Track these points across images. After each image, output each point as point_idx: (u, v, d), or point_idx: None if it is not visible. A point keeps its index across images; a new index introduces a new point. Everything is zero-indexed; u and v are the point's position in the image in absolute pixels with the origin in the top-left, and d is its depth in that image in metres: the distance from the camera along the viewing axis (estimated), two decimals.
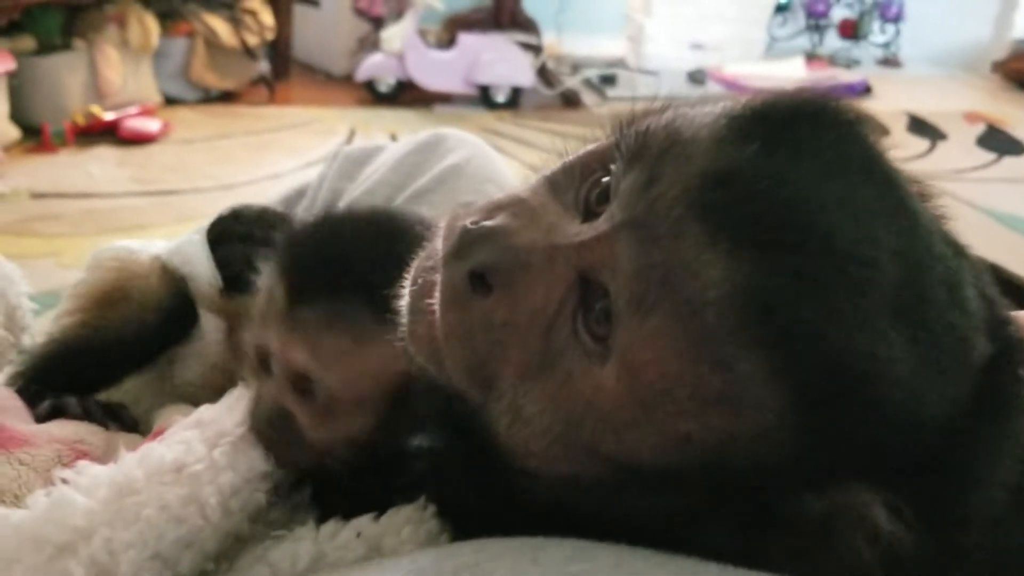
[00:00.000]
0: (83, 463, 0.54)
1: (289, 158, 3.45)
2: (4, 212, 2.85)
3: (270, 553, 0.55)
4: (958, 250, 0.48)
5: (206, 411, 0.59)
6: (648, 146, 0.45)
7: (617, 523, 0.45)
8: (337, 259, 0.58)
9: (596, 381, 0.44)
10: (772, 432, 0.42)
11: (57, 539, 0.49)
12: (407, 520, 0.55)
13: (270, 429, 0.59)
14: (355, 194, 1.15)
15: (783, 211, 0.41)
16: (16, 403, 0.64)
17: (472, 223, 0.47)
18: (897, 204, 0.44)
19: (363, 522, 0.55)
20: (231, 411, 0.59)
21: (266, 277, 0.61)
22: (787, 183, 0.42)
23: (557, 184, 0.50)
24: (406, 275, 0.52)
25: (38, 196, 2.98)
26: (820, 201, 0.41)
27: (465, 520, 0.54)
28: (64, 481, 0.53)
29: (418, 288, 0.50)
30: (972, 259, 0.49)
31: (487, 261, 0.46)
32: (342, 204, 1.15)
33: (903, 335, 0.41)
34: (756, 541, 0.44)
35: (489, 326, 0.47)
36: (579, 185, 0.49)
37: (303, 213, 1.19)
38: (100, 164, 3.29)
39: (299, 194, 1.24)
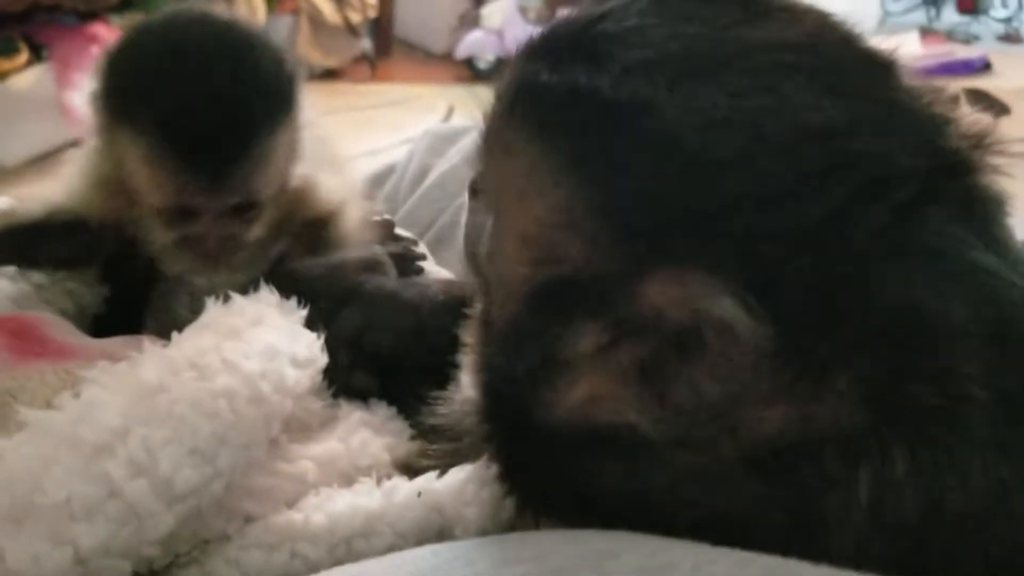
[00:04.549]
0: (102, 362, 0.54)
1: (389, 135, 3.48)
2: None
3: (330, 503, 0.55)
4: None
5: (207, 314, 0.59)
6: None
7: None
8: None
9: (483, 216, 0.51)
10: (572, 211, 0.42)
11: (93, 439, 0.48)
12: (469, 480, 0.54)
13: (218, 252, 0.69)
14: (443, 168, 1.16)
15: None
16: (62, 319, 0.65)
17: None
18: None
19: (425, 481, 0.55)
20: (234, 307, 0.60)
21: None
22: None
23: None
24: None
25: None
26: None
27: (524, 480, 0.51)
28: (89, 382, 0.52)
29: None
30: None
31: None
32: (430, 179, 1.16)
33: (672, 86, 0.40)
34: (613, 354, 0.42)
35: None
36: None
37: (391, 189, 1.21)
38: None
39: (389, 170, 1.26)
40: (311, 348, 0.61)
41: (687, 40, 0.42)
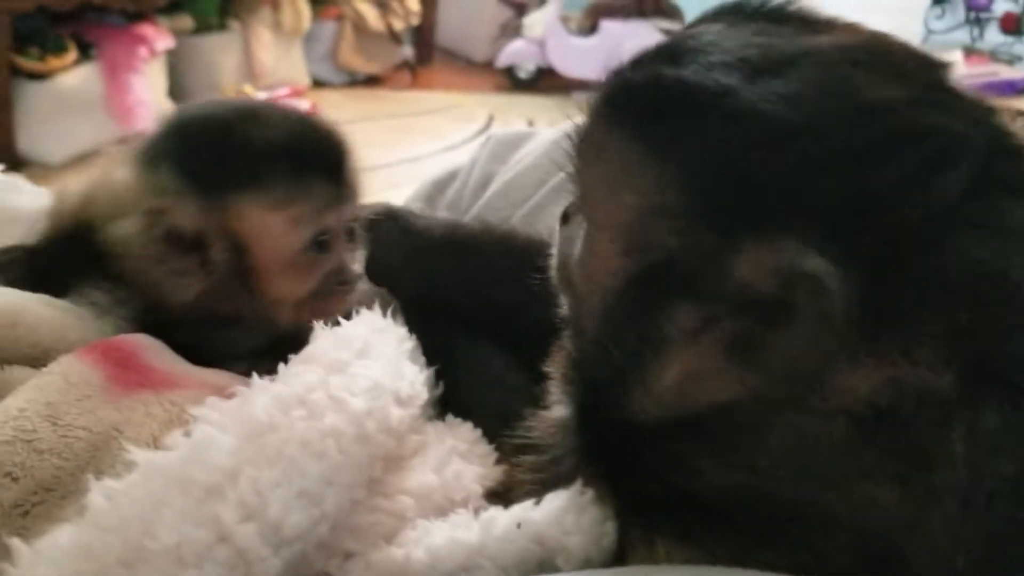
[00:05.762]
0: (212, 398, 0.53)
1: (428, 142, 3.48)
2: None
3: (428, 538, 0.53)
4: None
5: (314, 344, 0.58)
6: None
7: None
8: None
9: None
10: (661, 194, 0.44)
11: (204, 481, 0.47)
12: (568, 508, 0.52)
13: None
14: (506, 177, 1.13)
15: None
16: (160, 344, 0.63)
17: None
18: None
19: (522, 511, 0.53)
20: (341, 335, 0.59)
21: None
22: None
23: None
24: None
25: None
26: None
27: (624, 500, 0.51)
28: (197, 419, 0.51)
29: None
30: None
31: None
32: (493, 187, 1.13)
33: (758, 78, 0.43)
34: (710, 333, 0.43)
35: None
36: None
37: (454, 195, 1.18)
38: None
39: (451, 176, 1.23)
40: (414, 384, 0.60)
41: (759, 47, 0.45)
